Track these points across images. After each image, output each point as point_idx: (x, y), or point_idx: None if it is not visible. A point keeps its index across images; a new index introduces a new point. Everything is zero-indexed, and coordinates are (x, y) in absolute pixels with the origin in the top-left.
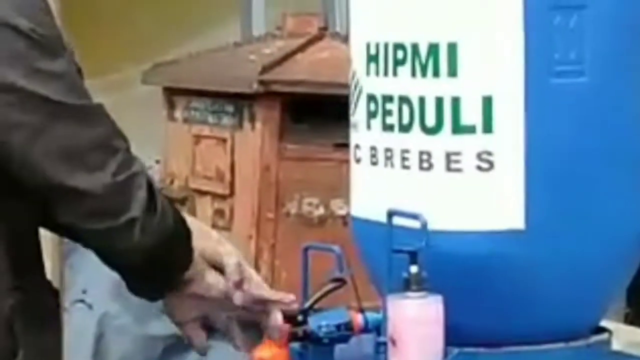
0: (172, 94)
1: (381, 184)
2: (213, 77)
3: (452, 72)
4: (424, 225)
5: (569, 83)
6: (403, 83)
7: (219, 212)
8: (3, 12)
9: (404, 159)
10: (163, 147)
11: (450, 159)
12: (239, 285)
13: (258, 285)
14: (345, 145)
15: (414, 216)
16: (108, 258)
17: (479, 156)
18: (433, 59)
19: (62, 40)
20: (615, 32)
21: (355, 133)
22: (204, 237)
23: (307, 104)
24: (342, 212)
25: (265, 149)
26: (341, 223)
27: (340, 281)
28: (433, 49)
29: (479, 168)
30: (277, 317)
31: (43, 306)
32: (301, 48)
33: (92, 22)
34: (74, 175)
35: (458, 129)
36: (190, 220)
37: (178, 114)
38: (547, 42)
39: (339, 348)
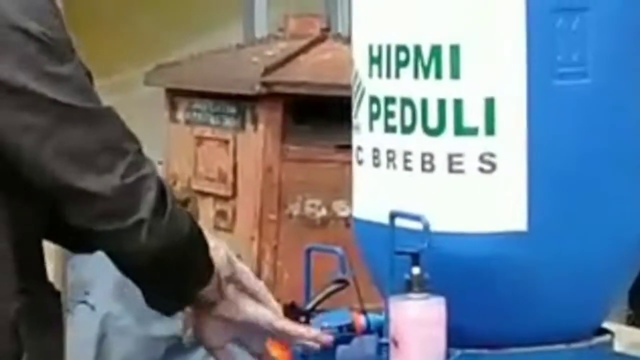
0: (174, 95)
1: (383, 185)
2: (215, 78)
3: (455, 74)
4: (426, 226)
5: (571, 85)
6: (405, 85)
7: (222, 214)
8: (13, 16)
9: (406, 160)
10: (165, 148)
11: (452, 160)
12: (230, 279)
13: (254, 283)
14: (348, 147)
15: (416, 218)
16: (117, 260)
17: (481, 158)
18: (435, 60)
19: (71, 44)
20: (618, 33)
21: (358, 135)
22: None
23: (309, 106)
24: (345, 213)
25: (267, 150)
26: (343, 224)
27: (343, 282)
28: (435, 50)
29: (482, 170)
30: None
31: (47, 309)
32: (303, 49)
33: (95, 23)
34: (83, 177)
35: (460, 130)
36: None
37: (180, 115)
38: (549, 44)
39: (341, 349)
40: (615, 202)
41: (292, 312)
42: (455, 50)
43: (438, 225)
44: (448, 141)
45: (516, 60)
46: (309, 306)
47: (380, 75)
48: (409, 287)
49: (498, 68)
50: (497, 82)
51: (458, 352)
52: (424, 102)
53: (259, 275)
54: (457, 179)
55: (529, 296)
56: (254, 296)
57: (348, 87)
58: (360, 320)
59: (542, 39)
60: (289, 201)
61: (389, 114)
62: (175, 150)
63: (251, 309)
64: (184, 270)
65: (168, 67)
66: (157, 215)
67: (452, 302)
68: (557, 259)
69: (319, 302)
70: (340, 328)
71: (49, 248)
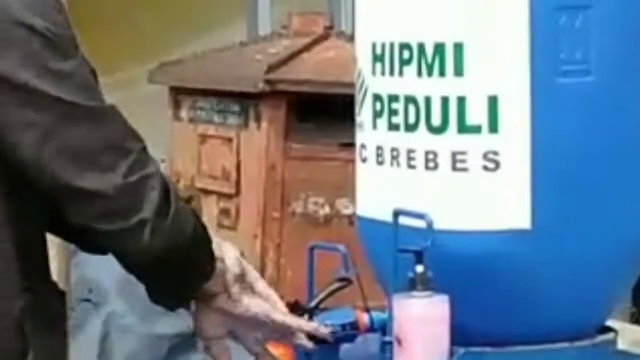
0: (177, 93)
1: (387, 183)
2: (219, 76)
3: (458, 71)
4: (430, 224)
5: (574, 83)
6: (409, 83)
7: (225, 212)
8: (18, 12)
9: (409, 158)
10: (169, 146)
11: (456, 158)
12: (240, 279)
13: (266, 289)
14: (351, 145)
15: (420, 216)
16: (121, 259)
17: (484, 156)
18: (439, 58)
19: (75, 41)
20: (621, 31)
21: (361, 132)
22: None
23: (312, 104)
24: (348, 211)
25: (270, 148)
26: (347, 222)
27: (346, 280)
28: (439, 48)
29: (485, 168)
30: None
31: (51, 308)
32: (307, 47)
33: (99, 21)
34: (85, 175)
35: (464, 128)
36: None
37: (184, 113)
38: (552, 41)
39: (344, 347)
40: (618, 200)
41: (296, 310)
42: (458, 48)
43: (441, 223)
44: (451, 139)
45: (519, 58)
46: (312, 304)
47: (383, 73)
48: (412, 285)
49: (501, 66)
50: (501, 80)
51: (461, 350)
52: (428, 100)
53: (262, 273)
54: (461, 177)
55: (532, 294)
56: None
57: (351, 85)
58: (364, 318)
59: (545, 37)
60: (292, 199)
61: (393, 112)
62: (178, 148)
63: (250, 302)
64: (188, 267)
65: (171, 65)
66: (160, 215)
67: (455, 300)
68: (561, 257)
69: (322, 300)
70: (343, 326)
71: (52, 247)
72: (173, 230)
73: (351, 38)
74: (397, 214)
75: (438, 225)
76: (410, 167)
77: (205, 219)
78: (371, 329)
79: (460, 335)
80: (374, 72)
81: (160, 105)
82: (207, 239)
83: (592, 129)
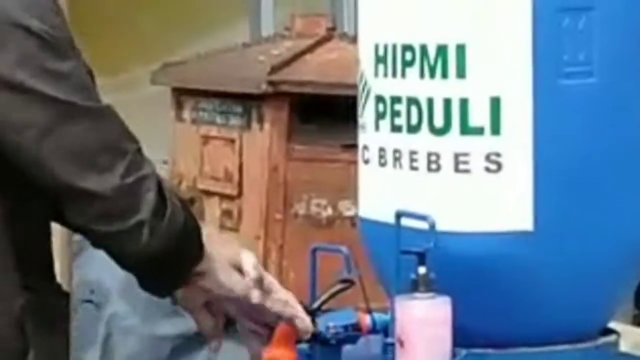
0: (180, 94)
1: (389, 185)
2: (221, 77)
3: (461, 73)
4: (432, 226)
5: (577, 84)
6: (411, 84)
7: (227, 213)
8: (15, 13)
9: (412, 160)
10: (171, 147)
11: (458, 160)
12: (258, 283)
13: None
14: (354, 146)
15: (422, 217)
16: (117, 259)
17: (487, 157)
18: (441, 60)
19: (72, 42)
20: (624, 33)
21: (364, 134)
22: (225, 243)
23: (315, 105)
24: (350, 213)
25: (273, 149)
26: (349, 224)
27: (348, 282)
28: (441, 50)
29: (487, 169)
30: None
31: (53, 307)
32: (310, 49)
33: (101, 22)
34: (82, 176)
35: (466, 130)
36: (213, 231)
37: (186, 114)
38: (555, 43)
39: (346, 349)
40: (621, 202)
41: None
42: (461, 49)
43: (444, 224)
44: (454, 141)
45: (522, 60)
46: (315, 306)
47: (386, 74)
48: (414, 286)
49: (504, 67)
50: (503, 81)
51: (464, 351)
52: (430, 102)
53: None
54: (463, 178)
55: (534, 296)
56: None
57: (354, 86)
58: (366, 320)
59: (548, 39)
60: (294, 200)
61: (395, 114)
62: (181, 149)
63: (233, 284)
64: (180, 260)
65: (174, 66)
66: (157, 216)
67: (458, 302)
68: (563, 259)
69: (324, 302)
70: (346, 327)
71: (55, 247)
72: (169, 230)
73: (354, 39)
74: (399, 215)
75: (440, 226)
76: (413, 168)
77: (207, 220)
78: (373, 330)
79: (462, 337)
80: (376, 74)
81: (162, 106)
82: (197, 229)
83: (594, 130)
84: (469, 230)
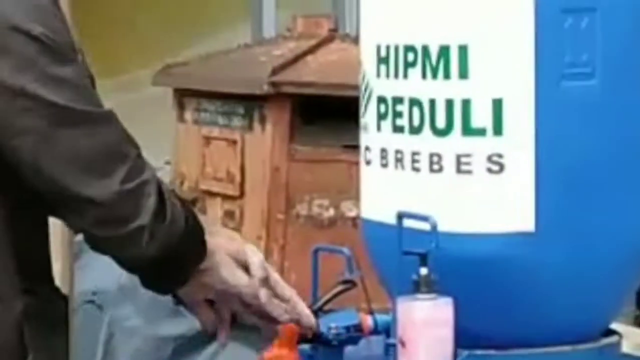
0: (182, 95)
1: (391, 185)
2: (223, 78)
3: (463, 74)
4: (434, 227)
5: (579, 86)
6: (413, 85)
7: (229, 214)
8: (16, 17)
9: (414, 161)
10: (173, 148)
11: (460, 161)
12: (265, 282)
13: (288, 290)
14: (356, 147)
15: (424, 218)
16: (118, 262)
17: (489, 158)
18: (444, 61)
19: (73, 46)
20: (627, 34)
21: (366, 135)
22: (229, 239)
23: (317, 106)
24: (352, 213)
25: (275, 150)
26: (351, 225)
27: (350, 283)
28: (444, 51)
29: (489, 170)
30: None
31: (53, 311)
32: (311, 50)
33: (103, 23)
34: (82, 182)
35: (468, 131)
36: (217, 227)
37: (188, 115)
38: (558, 44)
39: (348, 350)
40: (623, 203)
41: None
42: (463, 50)
43: (446, 225)
44: (456, 142)
45: (524, 61)
46: (317, 306)
47: (388, 75)
48: (416, 287)
49: (506, 68)
50: (506, 82)
51: (465, 352)
52: (432, 103)
53: None
54: (465, 179)
55: (536, 297)
56: (286, 303)
57: (356, 87)
58: (368, 321)
59: (550, 40)
60: (296, 201)
61: (397, 114)
62: (183, 150)
63: (236, 279)
64: (181, 260)
65: (176, 67)
66: (157, 220)
67: (459, 303)
68: (565, 260)
69: (326, 303)
70: (347, 328)
71: (56, 248)
72: (170, 234)
73: (356, 40)
74: (401, 216)
75: (442, 227)
76: (415, 169)
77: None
78: (375, 331)
79: (464, 338)
80: (378, 75)
81: (164, 107)
82: (199, 228)
83: (596, 132)
84: (470, 231)
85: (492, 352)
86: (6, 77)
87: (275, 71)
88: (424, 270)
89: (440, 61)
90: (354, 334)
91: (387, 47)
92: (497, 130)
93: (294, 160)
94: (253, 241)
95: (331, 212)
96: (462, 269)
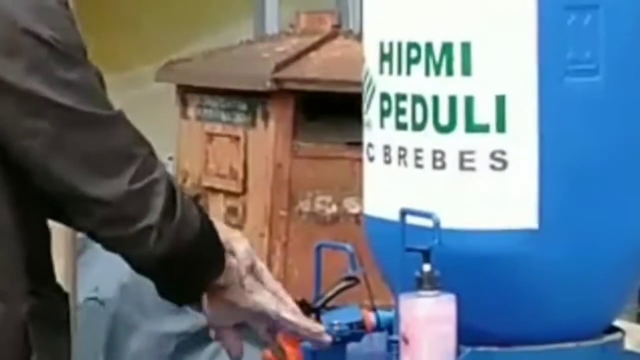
0: (185, 91)
1: (394, 182)
2: (226, 75)
3: (466, 71)
4: (437, 224)
5: (583, 82)
6: (416, 82)
7: (232, 210)
8: (25, 20)
9: (417, 157)
10: (176, 144)
11: (463, 158)
12: (250, 269)
13: (273, 282)
14: (359, 144)
15: (427, 215)
16: (128, 262)
17: (492, 155)
18: (447, 57)
19: (83, 48)
20: (630, 31)
21: (369, 131)
22: (221, 231)
23: (320, 102)
24: (355, 210)
25: (278, 147)
26: (354, 221)
27: (353, 279)
28: (447, 48)
29: (493, 167)
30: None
31: (56, 310)
32: (315, 46)
33: (106, 19)
34: (90, 182)
35: (472, 128)
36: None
37: (191, 111)
38: (561, 41)
39: (351, 346)
40: (626, 200)
41: (302, 309)
42: (466, 47)
43: (449, 222)
44: (459, 138)
45: (527, 58)
46: (319, 303)
47: (391, 72)
48: (419, 284)
49: (509, 65)
50: (509, 79)
51: (468, 349)
52: (435, 99)
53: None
54: (468, 176)
55: (539, 294)
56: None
57: (359, 84)
58: (371, 318)
59: (553, 36)
60: (299, 198)
61: (400, 111)
62: (186, 146)
63: (259, 297)
64: (195, 266)
65: (179, 64)
66: (165, 221)
67: (462, 300)
68: (568, 257)
69: (329, 299)
70: (350, 325)
71: (59, 246)
72: (179, 234)
73: (359, 37)
74: (404, 213)
75: (445, 224)
76: (418, 166)
77: (212, 218)
78: (378, 328)
79: (467, 335)
80: (381, 71)
81: (167, 103)
82: (215, 236)
83: (600, 128)
84: (473, 228)
85: (494, 349)
86: (16, 79)
87: (278, 68)
88: (426, 267)
89: (444, 58)
90: (357, 330)
91: (390, 44)
92: (500, 127)
93: (296, 157)
94: (256, 238)
95: (334, 208)
96: (465, 266)
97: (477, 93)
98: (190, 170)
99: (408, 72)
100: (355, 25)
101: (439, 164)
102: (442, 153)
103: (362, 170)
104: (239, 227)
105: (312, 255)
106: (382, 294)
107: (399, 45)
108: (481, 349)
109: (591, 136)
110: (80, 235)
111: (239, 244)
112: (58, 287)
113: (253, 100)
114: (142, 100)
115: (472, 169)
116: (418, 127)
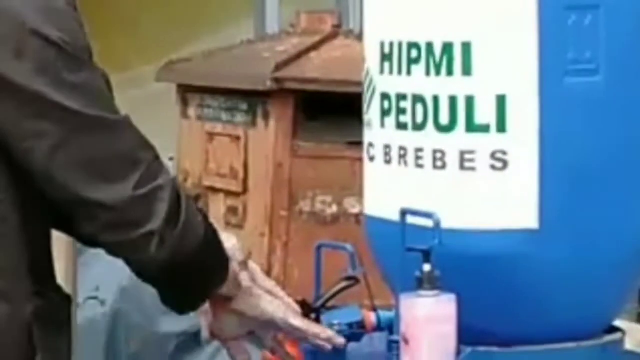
0: (185, 91)
1: (395, 182)
2: (227, 74)
3: (467, 71)
4: (437, 224)
5: (583, 82)
6: (417, 82)
7: (232, 210)
8: (34, 21)
9: (417, 157)
10: (176, 144)
11: (464, 157)
12: (244, 265)
13: (266, 280)
14: (359, 144)
15: (428, 215)
16: (131, 268)
17: (492, 155)
18: (447, 57)
19: (90, 51)
20: (630, 31)
21: (369, 131)
22: None
23: (320, 102)
24: (355, 210)
25: (278, 146)
26: (354, 221)
27: (353, 279)
28: (447, 47)
29: (493, 167)
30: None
31: (59, 311)
32: (315, 46)
33: (107, 19)
34: (94, 186)
35: (472, 127)
36: None
37: (192, 111)
38: (561, 41)
39: (351, 346)
40: (627, 200)
41: (303, 309)
42: (467, 47)
43: (449, 222)
44: (460, 138)
45: (528, 58)
46: (319, 303)
47: (391, 72)
48: (419, 284)
49: (510, 65)
50: (509, 79)
51: (469, 349)
52: (436, 99)
53: (269, 271)
54: (469, 176)
55: (539, 294)
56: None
57: (359, 83)
58: (371, 318)
59: (554, 36)
60: (299, 198)
61: (401, 111)
62: (186, 146)
63: (266, 305)
64: (198, 274)
65: (179, 64)
66: (168, 227)
67: (463, 300)
68: (569, 257)
69: (329, 299)
70: (350, 325)
71: (60, 246)
72: (182, 240)
73: (359, 37)
74: (404, 213)
75: (445, 224)
76: (418, 166)
77: (212, 218)
78: (378, 328)
79: (467, 335)
80: (382, 71)
81: (168, 103)
82: (219, 244)
83: (600, 128)
84: (474, 228)
85: (495, 349)
86: (23, 80)
87: (278, 67)
88: (427, 267)
89: (444, 58)
90: (357, 330)
91: (391, 44)
92: (501, 127)
93: (297, 157)
94: (256, 238)
95: (334, 208)
96: (465, 266)
97: (478, 93)
98: (190, 170)
99: (408, 72)
100: (356, 25)
101: (439, 163)
102: (443, 153)
103: (363, 170)
104: (239, 226)
105: (313, 255)
106: (382, 294)
107: (400, 45)
108: (481, 349)
109: (591, 136)
110: None
111: (227, 243)
112: (58, 288)
113: (253, 100)
114: (143, 100)
115: (473, 169)
116: (418, 127)
